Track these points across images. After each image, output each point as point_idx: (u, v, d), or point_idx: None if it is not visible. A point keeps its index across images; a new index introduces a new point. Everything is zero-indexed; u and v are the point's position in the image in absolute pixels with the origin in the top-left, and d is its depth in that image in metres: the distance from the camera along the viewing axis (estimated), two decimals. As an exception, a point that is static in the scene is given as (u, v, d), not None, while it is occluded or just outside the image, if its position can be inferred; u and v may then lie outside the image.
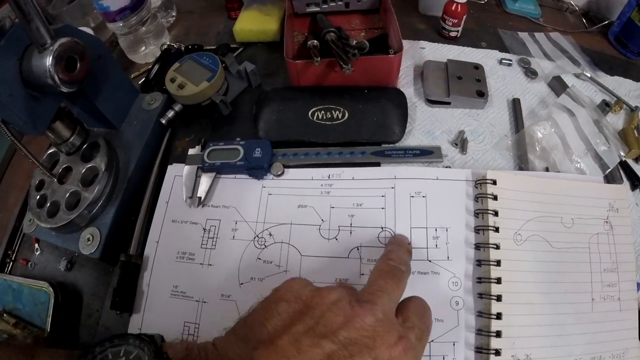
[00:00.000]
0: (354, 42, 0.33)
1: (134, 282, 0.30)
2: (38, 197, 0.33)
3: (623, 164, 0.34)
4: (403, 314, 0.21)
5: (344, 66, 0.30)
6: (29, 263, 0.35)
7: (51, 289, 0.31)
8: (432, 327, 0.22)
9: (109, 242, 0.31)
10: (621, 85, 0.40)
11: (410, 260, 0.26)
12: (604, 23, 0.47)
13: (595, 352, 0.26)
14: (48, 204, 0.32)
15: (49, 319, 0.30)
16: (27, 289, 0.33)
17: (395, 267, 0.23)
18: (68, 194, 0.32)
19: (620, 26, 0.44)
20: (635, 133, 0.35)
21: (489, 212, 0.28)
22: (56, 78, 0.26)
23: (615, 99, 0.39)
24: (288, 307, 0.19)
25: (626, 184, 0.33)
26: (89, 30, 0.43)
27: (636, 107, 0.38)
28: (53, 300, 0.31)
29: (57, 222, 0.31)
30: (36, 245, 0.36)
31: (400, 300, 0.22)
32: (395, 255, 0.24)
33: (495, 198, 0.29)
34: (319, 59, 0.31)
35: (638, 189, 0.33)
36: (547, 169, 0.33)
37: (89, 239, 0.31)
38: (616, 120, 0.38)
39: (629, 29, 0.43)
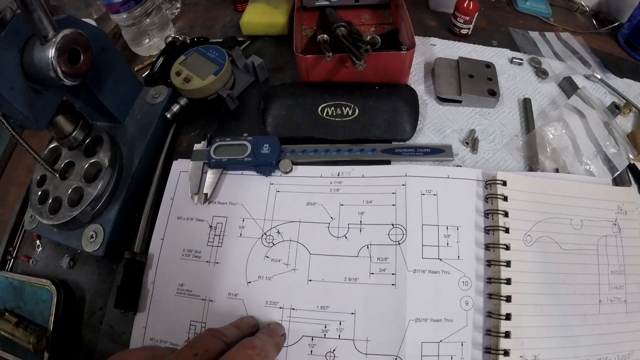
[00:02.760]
0: (368, 37, 0.32)
1: (138, 281, 0.29)
2: (39, 193, 0.33)
3: (632, 167, 0.34)
4: None
5: (356, 62, 0.29)
6: (31, 260, 0.34)
7: (53, 287, 0.31)
8: None
9: (113, 240, 0.31)
10: (630, 88, 0.40)
11: (275, 355, 0.24)
12: (614, 25, 0.47)
13: (601, 354, 0.27)
14: (50, 200, 0.32)
15: (52, 318, 0.30)
16: (29, 287, 0.32)
17: None
18: (70, 190, 0.31)
19: (630, 29, 0.44)
20: (645, 136, 0.35)
21: (499, 212, 0.28)
22: (59, 71, 0.25)
23: (624, 101, 0.39)
24: None
25: (634, 186, 0.33)
26: (92, 22, 0.41)
27: (645, 109, 0.38)
28: (55, 299, 0.30)
29: (60, 218, 0.30)
30: (37, 241, 0.35)
31: None
32: (259, 343, 0.22)
33: (505, 199, 0.29)
34: (330, 54, 0.31)
35: (646, 192, 0.33)
36: (557, 170, 0.33)
37: (92, 236, 0.30)
38: (625, 122, 0.37)
39: (639, 32, 0.43)
